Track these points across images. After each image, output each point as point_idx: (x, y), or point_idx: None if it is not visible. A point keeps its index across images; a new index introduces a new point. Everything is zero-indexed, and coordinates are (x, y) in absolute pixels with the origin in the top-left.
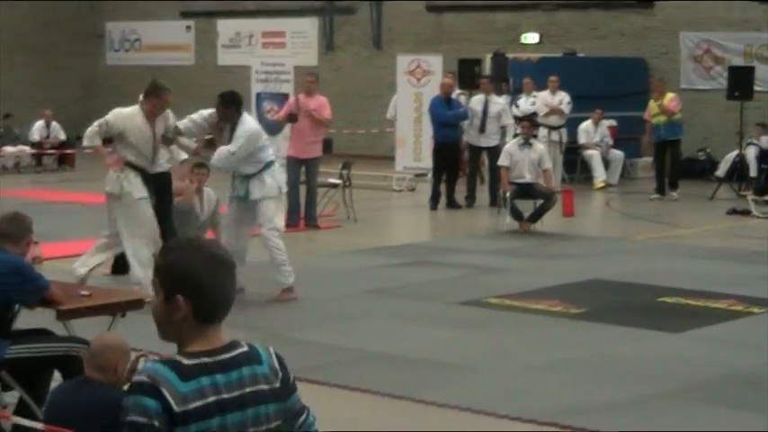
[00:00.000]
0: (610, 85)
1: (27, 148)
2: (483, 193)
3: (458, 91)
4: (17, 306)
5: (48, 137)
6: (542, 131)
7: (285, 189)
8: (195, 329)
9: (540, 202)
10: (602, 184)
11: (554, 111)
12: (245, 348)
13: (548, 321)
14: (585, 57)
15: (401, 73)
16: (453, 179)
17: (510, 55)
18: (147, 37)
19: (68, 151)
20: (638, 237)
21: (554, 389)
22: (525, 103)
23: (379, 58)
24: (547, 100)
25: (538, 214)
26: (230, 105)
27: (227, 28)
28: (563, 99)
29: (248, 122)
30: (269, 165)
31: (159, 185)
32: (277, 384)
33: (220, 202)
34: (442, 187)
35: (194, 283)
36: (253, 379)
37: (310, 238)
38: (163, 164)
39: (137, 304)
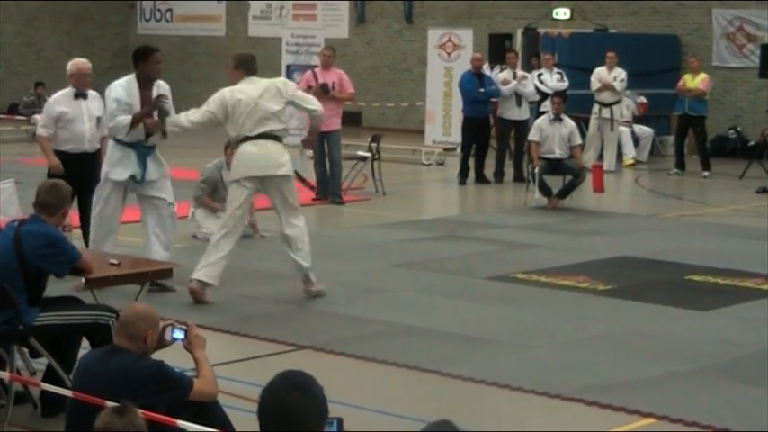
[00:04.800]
0: (641, 62)
1: None
2: (511, 169)
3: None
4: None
5: None
6: (594, 108)
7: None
8: None
9: (569, 178)
10: (631, 161)
11: (606, 87)
12: None
13: (575, 297)
14: (617, 33)
15: (432, 47)
16: (482, 154)
17: (541, 30)
18: (178, 7)
19: None
20: (667, 214)
21: (581, 365)
22: (551, 79)
23: (410, 31)
24: (602, 75)
25: (567, 190)
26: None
27: None
28: (617, 76)
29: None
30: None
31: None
32: None
33: None
34: (471, 162)
35: None
36: None
37: (339, 211)
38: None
39: (165, 274)
